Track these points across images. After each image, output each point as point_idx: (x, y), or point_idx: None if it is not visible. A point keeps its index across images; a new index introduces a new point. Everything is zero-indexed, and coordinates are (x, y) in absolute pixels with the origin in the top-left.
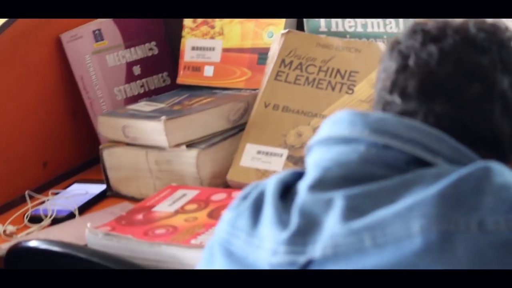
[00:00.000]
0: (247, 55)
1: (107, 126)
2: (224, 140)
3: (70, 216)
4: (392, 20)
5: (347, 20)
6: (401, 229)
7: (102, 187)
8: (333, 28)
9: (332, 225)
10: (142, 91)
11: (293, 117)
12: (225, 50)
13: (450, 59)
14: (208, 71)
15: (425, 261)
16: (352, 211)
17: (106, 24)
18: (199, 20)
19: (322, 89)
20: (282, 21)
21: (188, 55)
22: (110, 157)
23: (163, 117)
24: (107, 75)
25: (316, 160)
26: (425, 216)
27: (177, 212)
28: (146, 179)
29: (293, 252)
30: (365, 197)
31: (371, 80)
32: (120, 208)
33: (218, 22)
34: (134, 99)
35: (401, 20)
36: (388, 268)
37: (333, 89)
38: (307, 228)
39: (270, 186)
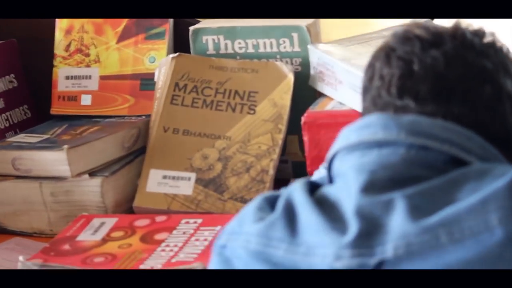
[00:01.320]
0: (128, 81)
1: None
2: (123, 167)
3: None
4: (287, 39)
5: (237, 41)
6: (478, 223)
7: None
8: (222, 50)
9: (400, 225)
10: (7, 124)
11: (195, 140)
12: (103, 77)
13: (457, 62)
14: (86, 99)
15: (510, 251)
16: (417, 210)
17: None
18: (72, 49)
19: (222, 111)
20: (164, 46)
21: (62, 85)
22: None
23: (65, 146)
24: None
25: (354, 165)
26: (501, 208)
27: (105, 240)
28: (39, 212)
29: (361, 254)
30: (423, 197)
31: (272, 100)
32: (15, 243)
33: (93, 50)
34: (1, 133)
35: (295, 39)
36: (471, 261)
37: (233, 110)
38: (371, 231)
39: (298, 196)
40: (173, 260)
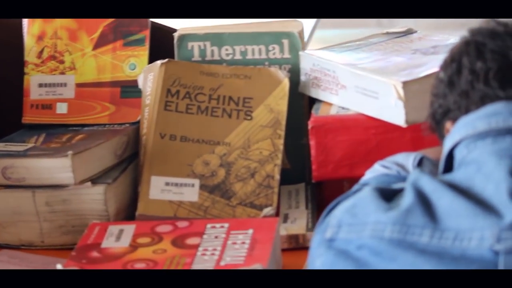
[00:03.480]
0: (107, 89)
1: None
2: (121, 174)
3: None
4: (276, 45)
5: (224, 47)
6: None
7: None
8: (208, 57)
9: None
10: None
11: (194, 147)
12: (79, 85)
13: None
14: (61, 108)
15: None
16: None
17: None
18: (45, 56)
19: (218, 117)
20: (145, 52)
21: (34, 93)
22: None
23: (70, 152)
24: None
25: (491, 151)
26: None
27: (134, 247)
28: (29, 223)
29: None
30: None
31: (268, 106)
32: (8, 256)
33: (68, 57)
34: None
35: (285, 45)
36: None
37: (229, 116)
38: None
39: (428, 184)
40: (222, 263)
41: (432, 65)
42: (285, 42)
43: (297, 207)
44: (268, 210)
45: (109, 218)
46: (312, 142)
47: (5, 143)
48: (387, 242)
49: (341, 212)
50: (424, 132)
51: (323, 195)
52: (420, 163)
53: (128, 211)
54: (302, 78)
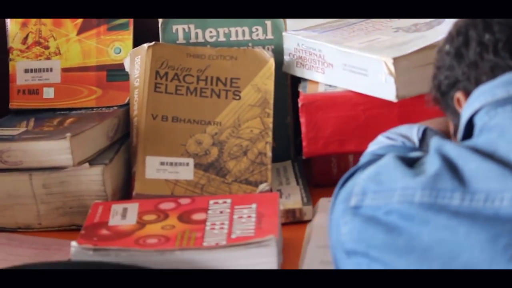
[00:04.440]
0: (93, 73)
1: None
2: (115, 155)
3: None
4: (259, 27)
5: (208, 29)
6: None
7: None
8: (192, 39)
9: None
10: None
11: (186, 127)
12: (65, 70)
13: None
14: (48, 93)
15: None
16: None
17: None
18: (30, 41)
19: (207, 97)
20: (129, 36)
21: (21, 79)
22: None
23: (68, 134)
24: None
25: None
26: None
27: (142, 224)
28: (26, 206)
29: None
30: None
31: (255, 85)
32: (7, 238)
33: (52, 42)
34: None
35: (268, 26)
36: None
37: (218, 96)
38: None
39: (453, 149)
40: (233, 236)
41: (418, 42)
42: (268, 23)
43: (288, 184)
44: (263, 186)
45: (107, 198)
46: (302, 119)
47: None
48: (418, 206)
49: (364, 181)
50: (428, 104)
51: (311, 172)
52: (424, 134)
53: (122, 192)
54: (286, 58)
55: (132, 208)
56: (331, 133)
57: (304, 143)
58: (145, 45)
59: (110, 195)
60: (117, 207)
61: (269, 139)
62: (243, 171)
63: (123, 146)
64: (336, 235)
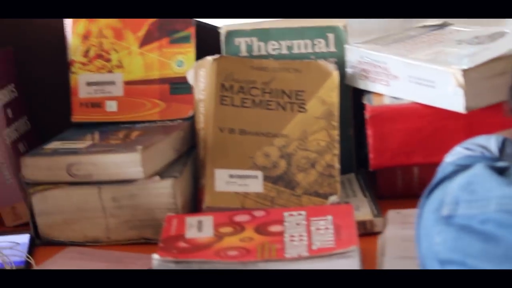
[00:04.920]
0: (156, 86)
1: (38, 167)
2: (184, 168)
3: (27, 265)
4: (322, 40)
5: (271, 42)
6: None
7: (26, 236)
8: (255, 52)
9: None
10: (16, 136)
11: (253, 139)
12: (128, 83)
13: None
14: (111, 106)
15: None
16: None
17: None
18: (92, 54)
19: (273, 110)
20: (191, 49)
21: (83, 92)
22: (42, 201)
23: (139, 147)
24: None
25: None
26: None
27: (220, 236)
28: (95, 220)
29: None
30: None
31: (320, 98)
32: (77, 252)
33: (114, 55)
34: (15, 144)
35: (331, 39)
36: None
37: (284, 109)
38: None
39: None
40: (314, 248)
41: (484, 54)
42: (330, 36)
43: (355, 196)
44: (334, 198)
45: (177, 211)
46: (369, 132)
47: (62, 141)
48: None
49: (456, 190)
50: (506, 114)
51: (376, 184)
52: (503, 144)
53: (191, 204)
54: (349, 70)
55: (207, 220)
56: (398, 145)
57: (371, 155)
58: (210, 58)
59: (180, 208)
60: (192, 220)
61: (336, 151)
62: (312, 184)
63: (190, 159)
64: (428, 244)
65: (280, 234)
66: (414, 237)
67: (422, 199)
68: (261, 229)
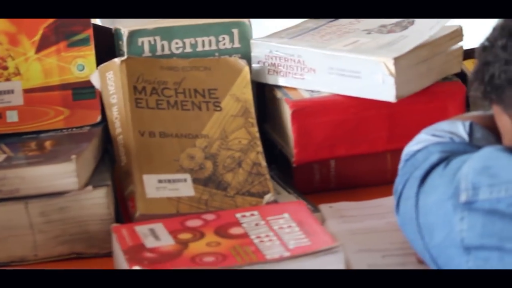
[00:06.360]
0: (58, 92)
1: None
2: (109, 176)
3: None
4: (226, 36)
5: (174, 41)
6: None
7: None
8: (159, 52)
9: None
10: None
11: (175, 141)
12: (27, 91)
13: None
14: (12, 116)
15: None
16: None
17: None
18: None
19: (189, 110)
20: (91, 52)
21: None
22: None
23: (73, 156)
24: None
25: None
26: None
27: (183, 243)
28: (21, 237)
29: None
30: None
31: (233, 95)
32: None
33: (10, 62)
34: None
35: (235, 35)
36: None
37: (199, 108)
38: None
39: None
40: (291, 247)
41: (405, 41)
42: (235, 31)
43: (279, 193)
44: (269, 197)
45: (112, 221)
46: (293, 127)
47: None
48: None
49: (471, 176)
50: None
51: (292, 180)
52: (471, 129)
53: (117, 213)
54: (255, 66)
55: (159, 228)
56: (322, 138)
57: (295, 150)
58: (117, 60)
59: (112, 218)
60: (142, 229)
61: (259, 148)
62: (242, 183)
63: (107, 166)
64: (447, 233)
65: (244, 236)
66: (402, 227)
67: (412, 189)
68: (222, 233)
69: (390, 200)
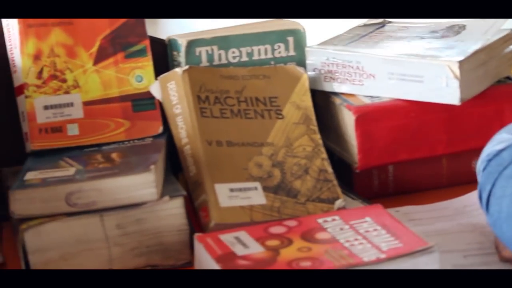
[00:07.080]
0: (117, 104)
1: (31, 200)
2: (180, 186)
3: None
4: (282, 44)
5: (231, 50)
6: None
7: None
8: (216, 61)
9: None
10: None
11: (242, 150)
12: (86, 103)
13: None
14: (72, 129)
15: None
16: None
17: None
18: (45, 76)
19: (252, 119)
20: (149, 63)
21: (41, 116)
22: (36, 237)
23: (152, 166)
24: None
25: None
26: None
27: (274, 250)
28: (96, 251)
29: None
30: None
31: (294, 103)
32: None
33: (69, 75)
34: None
35: (290, 43)
36: None
37: (262, 116)
38: None
39: None
40: (384, 249)
41: (464, 45)
42: (290, 39)
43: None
44: (340, 202)
45: (188, 232)
46: (357, 132)
47: (40, 171)
48: None
49: None
50: None
51: (352, 185)
52: None
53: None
54: (310, 73)
55: (244, 236)
56: (385, 143)
57: (359, 156)
58: (178, 70)
59: (188, 228)
60: (227, 237)
61: (324, 155)
62: (312, 190)
63: (172, 176)
64: None
65: (333, 240)
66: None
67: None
68: (309, 238)
69: (454, 202)
